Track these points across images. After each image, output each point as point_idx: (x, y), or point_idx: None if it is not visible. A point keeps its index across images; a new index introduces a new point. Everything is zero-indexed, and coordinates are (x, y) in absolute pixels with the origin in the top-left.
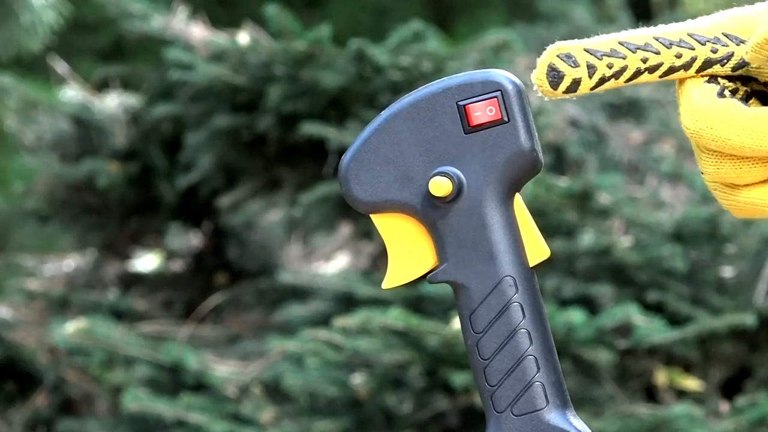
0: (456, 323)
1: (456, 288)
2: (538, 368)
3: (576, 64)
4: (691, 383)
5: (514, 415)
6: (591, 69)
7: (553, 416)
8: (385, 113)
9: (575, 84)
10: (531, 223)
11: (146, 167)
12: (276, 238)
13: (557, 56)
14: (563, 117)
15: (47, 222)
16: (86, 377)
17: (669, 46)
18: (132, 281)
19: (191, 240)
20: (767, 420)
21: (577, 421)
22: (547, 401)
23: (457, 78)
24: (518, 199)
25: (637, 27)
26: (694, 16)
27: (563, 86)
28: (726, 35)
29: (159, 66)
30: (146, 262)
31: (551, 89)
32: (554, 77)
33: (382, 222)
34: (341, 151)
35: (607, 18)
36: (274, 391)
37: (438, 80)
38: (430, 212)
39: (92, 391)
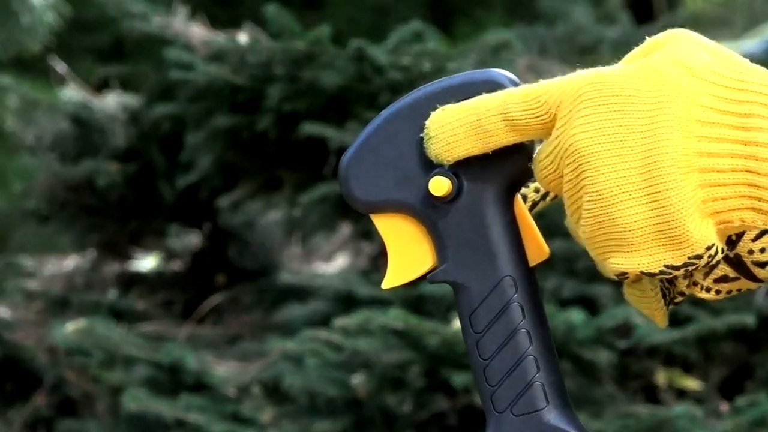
0: (456, 323)
1: (456, 288)
2: (538, 368)
3: None
4: (691, 383)
5: (514, 415)
6: None
7: (553, 416)
8: (384, 113)
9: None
10: (531, 223)
11: (146, 167)
12: (276, 238)
13: None
14: None
15: (47, 222)
16: (86, 377)
17: None
18: (132, 281)
19: (191, 240)
20: (767, 420)
21: (577, 422)
22: (547, 401)
23: (457, 78)
24: (518, 199)
25: (638, 27)
26: (693, 15)
27: None
28: None
29: (159, 66)
30: (146, 262)
31: None
32: None
33: (381, 222)
34: (341, 151)
35: (607, 18)
36: (274, 391)
37: (438, 80)
38: (430, 212)
39: (92, 391)
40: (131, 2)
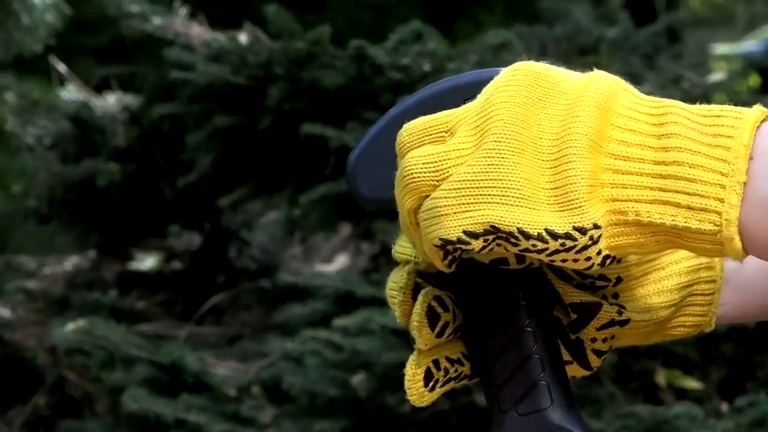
0: None
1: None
2: (543, 368)
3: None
4: (691, 383)
5: (519, 414)
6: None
7: (557, 416)
8: (392, 111)
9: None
10: None
11: (146, 167)
12: (276, 238)
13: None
14: None
15: (47, 222)
16: (86, 377)
17: None
18: (132, 281)
19: (191, 240)
20: (767, 420)
21: (582, 422)
22: (552, 401)
23: (464, 77)
24: None
25: (638, 27)
26: (693, 15)
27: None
28: None
29: (159, 66)
30: (146, 262)
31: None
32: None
33: None
34: (341, 151)
35: (607, 18)
36: (274, 391)
37: (445, 79)
38: None
39: (92, 391)
40: (131, 2)
